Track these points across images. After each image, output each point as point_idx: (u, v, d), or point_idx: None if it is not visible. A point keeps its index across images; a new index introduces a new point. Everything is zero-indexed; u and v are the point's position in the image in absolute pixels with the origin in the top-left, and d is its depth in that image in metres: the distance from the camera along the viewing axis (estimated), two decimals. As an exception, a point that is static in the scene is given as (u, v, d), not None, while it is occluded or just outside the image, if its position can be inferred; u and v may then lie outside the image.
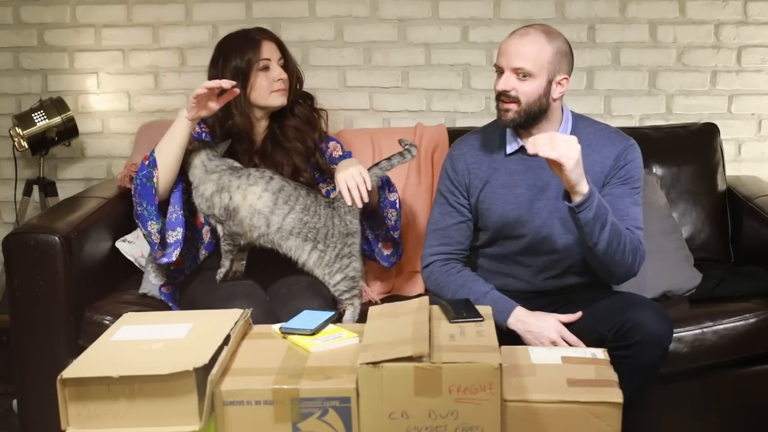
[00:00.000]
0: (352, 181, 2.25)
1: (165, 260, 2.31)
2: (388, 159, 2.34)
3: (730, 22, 3.08)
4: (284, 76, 2.42)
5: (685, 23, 3.09)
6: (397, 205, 2.52)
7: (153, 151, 2.28)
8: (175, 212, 2.31)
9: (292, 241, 2.25)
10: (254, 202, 2.24)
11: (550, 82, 2.14)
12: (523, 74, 2.13)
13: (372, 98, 3.19)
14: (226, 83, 2.23)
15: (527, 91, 2.14)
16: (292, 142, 2.44)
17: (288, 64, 2.46)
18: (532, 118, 2.17)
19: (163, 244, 2.30)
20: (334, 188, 2.51)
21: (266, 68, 2.39)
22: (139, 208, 2.28)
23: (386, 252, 2.56)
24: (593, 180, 2.18)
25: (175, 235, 2.31)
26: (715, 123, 2.98)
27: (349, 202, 2.25)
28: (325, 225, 2.25)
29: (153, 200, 2.26)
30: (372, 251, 2.54)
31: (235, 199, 2.24)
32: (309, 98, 2.55)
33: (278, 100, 2.42)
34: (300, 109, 2.49)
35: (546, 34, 2.15)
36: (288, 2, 3.14)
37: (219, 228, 2.29)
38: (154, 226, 2.28)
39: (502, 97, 2.17)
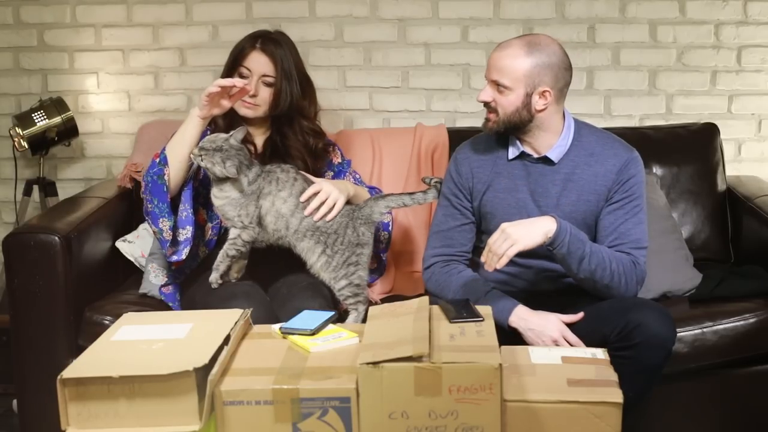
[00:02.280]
0: (324, 196, 2.26)
1: (175, 258, 2.31)
2: (411, 194, 2.38)
3: (730, 22, 3.08)
4: (252, 91, 2.38)
5: (685, 23, 3.09)
6: (390, 227, 2.56)
7: (164, 149, 2.28)
8: (185, 210, 2.31)
9: (306, 242, 2.26)
10: (280, 207, 2.25)
11: (528, 95, 2.15)
12: (500, 86, 2.16)
13: (372, 98, 3.19)
14: (239, 82, 2.23)
15: (504, 103, 2.17)
16: (294, 160, 2.43)
17: (278, 83, 2.40)
18: (515, 127, 2.20)
19: (174, 242, 2.30)
20: None
21: (245, 77, 2.38)
22: (149, 206, 2.28)
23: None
24: (596, 192, 2.20)
25: (185, 233, 2.31)
26: (715, 123, 2.98)
27: (306, 212, 2.25)
28: (336, 231, 2.26)
29: (165, 197, 2.26)
30: None
31: (264, 206, 2.25)
32: (320, 136, 2.50)
33: (242, 111, 2.41)
34: (308, 139, 2.46)
35: (527, 46, 2.14)
36: (288, 2, 3.14)
37: (235, 232, 2.26)
38: (165, 223, 2.27)
39: (485, 106, 2.22)
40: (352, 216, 2.30)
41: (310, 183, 2.30)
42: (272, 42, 2.42)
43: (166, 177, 2.25)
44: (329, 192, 2.28)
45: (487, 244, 2.08)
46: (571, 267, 2.12)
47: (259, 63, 2.39)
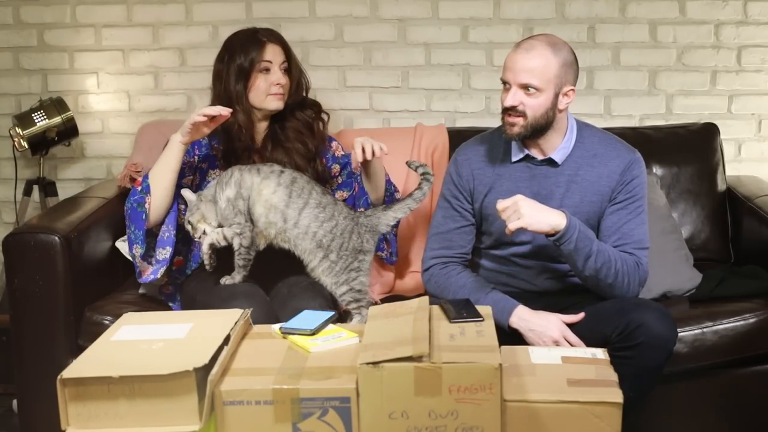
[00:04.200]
0: (368, 143, 2.27)
1: (152, 278, 2.34)
2: (411, 196, 2.35)
3: (730, 22, 3.08)
4: (283, 81, 2.42)
5: (685, 23, 3.09)
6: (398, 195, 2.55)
7: (146, 177, 2.31)
8: (168, 231, 2.34)
9: (308, 242, 2.25)
10: (269, 197, 2.24)
11: (557, 95, 2.14)
12: (530, 89, 2.12)
13: (372, 98, 3.19)
14: (225, 111, 2.25)
15: (534, 105, 2.13)
16: (293, 143, 2.45)
17: (292, 69, 2.46)
18: (540, 129, 2.18)
19: (149, 261, 2.34)
20: (339, 188, 2.51)
21: (267, 70, 2.40)
22: (128, 231, 2.33)
23: (387, 250, 2.57)
24: (599, 193, 2.20)
25: (164, 253, 2.34)
26: (715, 123, 2.98)
27: (360, 158, 2.26)
28: (342, 235, 2.25)
29: (142, 225, 2.29)
30: (382, 249, 2.54)
31: (251, 198, 2.25)
32: (315, 106, 2.54)
33: (274, 104, 2.42)
34: (302, 114, 2.50)
35: (551, 46, 2.13)
36: (288, 2, 3.14)
37: (236, 240, 2.26)
38: (138, 250, 2.31)
39: (509, 111, 2.17)
40: (358, 222, 2.29)
41: (302, 175, 2.30)
42: (270, 32, 2.46)
43: (146, 205, 2.29)
44: (366, 138, 2.29)
45: (498, 207, 2.08)
46: (577, 264, 2.11)
47: (275, 53, 2.42)
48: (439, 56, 3.14)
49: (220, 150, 2.42)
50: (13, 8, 3.19)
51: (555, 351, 1.89)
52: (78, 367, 1.63)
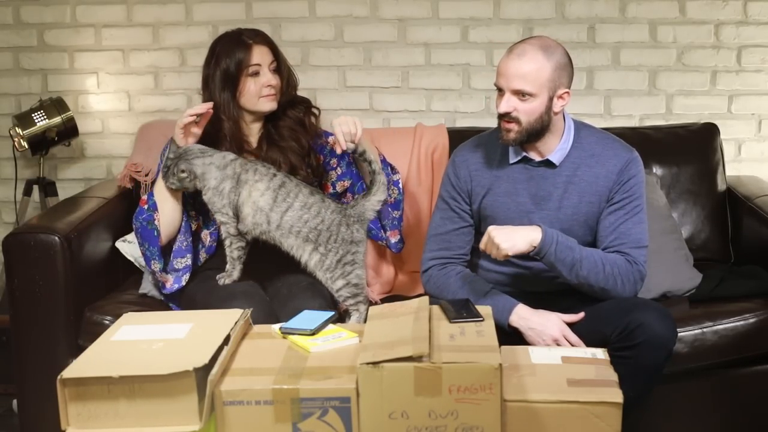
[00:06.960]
0: (346, 126, 2.27)
1: (176, 287, 2.36)
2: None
3: (730, 22, 3.08)
4: (274, 81, 2.41)
5: (685, 23, 3.09)
6: (400, 186, 2.52)
7: (151, 194, 2.32)
8: (185, 240, 2.36)
9: (292, 239, 2.25)
10: (257, 200, 2.24)
11: (551, 99, 2.14)
12: (523, 95, 2.12)
13: (372, 98, 3.19)
14: (209, 105, 2.28)
15: (529, 110, 2.13)
16: (288, 141, 2.45)
17: (280, 67, 2.45)
18: (536, 134, 2.17)
19: (171, 270, 2.36)
20: (339, 179, 2.51)
21: (256, 73, 2.39)
22: (141, 248, 2.34)
23: (393, 240, 2.54)
24: (597, 194, 2.20)
25: (184, 261, 2.36)
26: (715, 123, 2.98)
27: (343, 146, 2.25)
28: (329, 229, 2.25)
29: (156, 242, 2.31)
30: (382, 239, 2.53)
31: (242, 195, 2.25)
32: (304, 102, 2.54)
33: (267, 105, 2.42)
34: (293, 112, 2.50)
35: (544, 50, 2.12)
36: (288, 2, 3.14)
37: (224, 229, 2.28)
38: (156, 266, 2.33)
39: (504, 117, 2.16)
40: (345, 214, 2.29)
41: (292, 179, 2.30)
42: (255, 33, 2.45)
43: (156, 222, 2.30)
44: (343, 118, 2.29)
45: (481, 247, 2.11)
46: (562, 273, 2.12)
47: (262, 55, 2.41)
48: (439, 56, 3.14)
49: None
50: (13, 8, 3.19)
51: (555, 351, 1.89)
52: (78, 367, 1.63)
